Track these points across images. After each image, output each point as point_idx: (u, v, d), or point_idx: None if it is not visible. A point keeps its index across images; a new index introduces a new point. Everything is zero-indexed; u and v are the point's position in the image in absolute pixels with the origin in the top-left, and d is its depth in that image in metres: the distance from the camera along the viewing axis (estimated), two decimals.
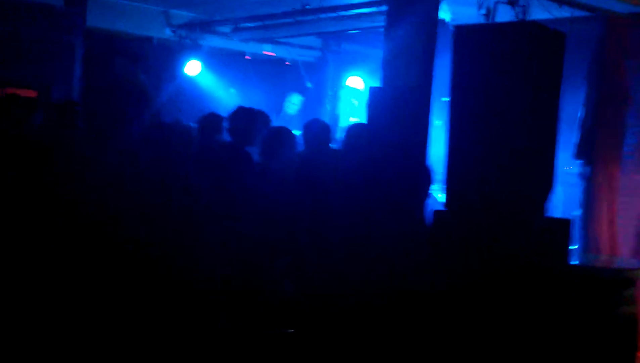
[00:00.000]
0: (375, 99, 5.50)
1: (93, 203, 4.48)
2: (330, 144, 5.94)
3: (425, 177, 5.23)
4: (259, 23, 10.11)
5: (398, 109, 5.34)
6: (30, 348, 4.33)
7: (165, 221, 4.67)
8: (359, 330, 4.73)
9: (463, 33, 5.17)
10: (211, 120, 6.39)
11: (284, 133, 5.92)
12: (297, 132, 6.20)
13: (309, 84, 11.45)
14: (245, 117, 5.99)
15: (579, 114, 6.94)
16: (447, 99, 5.15)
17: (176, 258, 4.67)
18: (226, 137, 6.15)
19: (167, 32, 10.93)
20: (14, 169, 4.82)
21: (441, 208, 5.04)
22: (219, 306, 5.07)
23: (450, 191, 5.01)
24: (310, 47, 11.71)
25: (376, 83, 5.72)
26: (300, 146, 6.07)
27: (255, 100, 8.78)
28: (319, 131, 5.94)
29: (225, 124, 6.09)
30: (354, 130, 5.71)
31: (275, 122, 7.28)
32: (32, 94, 8.84)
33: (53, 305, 4.42)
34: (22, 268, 4.55)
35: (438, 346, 4.62)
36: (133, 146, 4.74)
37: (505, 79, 4.82)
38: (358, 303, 4.71)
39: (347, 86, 11.28)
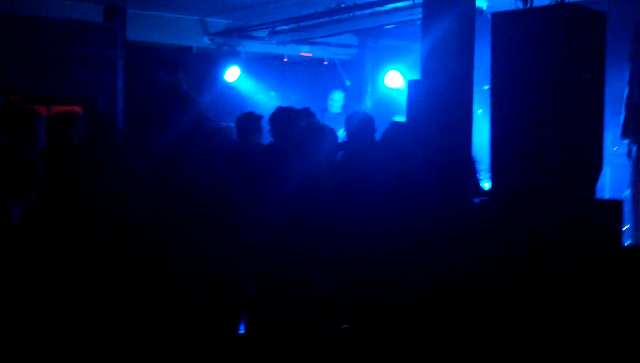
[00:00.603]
0: (415, 91, 5.49)
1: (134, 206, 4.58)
2: (373, 136, 5.91)
3: (471, 166, 5.20)
4: (295, 25, 10.15)
5: (439, 101, 5.32)
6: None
7: (202, 219, 4.74)
8: (408, 324, 4.73)
9: (501, 20, 5.14)
10: (249, 120, 6.41)
11: (314, 130, 5.92)
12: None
13: (348, 83, 11.45)
14: (284, 117, 6.01)
15: (624, 94, 6.83)
16: (488, 87, 5.12)
17: (213, 254, 4.73)
18: (267, 138, 6.18)
19: (206, 41, 11.05)
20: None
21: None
22: (256, 301, 5.11)
23: (496, 178, 4.97)
24: (347, 45, 11.72)
25: (415, 77, 5.68)
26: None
27: (295, 102, 8.81)
28: (360, 123, 5.93)
29: (267, 126, 6.13)
30: (397, 127, 5.72)
31: (322, 121, 7.28)
32: (77, 109, 9.01)
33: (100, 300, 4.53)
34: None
35: (492, 334, 4.59)
36: (175, 149, 4.83)
37: (546, 63, 4.78)
38: (399, 298, 4.70)
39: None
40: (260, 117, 6.51)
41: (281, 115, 6.00)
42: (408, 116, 5.55)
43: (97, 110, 5.60)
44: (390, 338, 4.81)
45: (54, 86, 9.29)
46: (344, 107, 10.12)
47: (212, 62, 10.87)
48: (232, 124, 6.99)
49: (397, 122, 6.08)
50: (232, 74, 10.86)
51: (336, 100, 10.11)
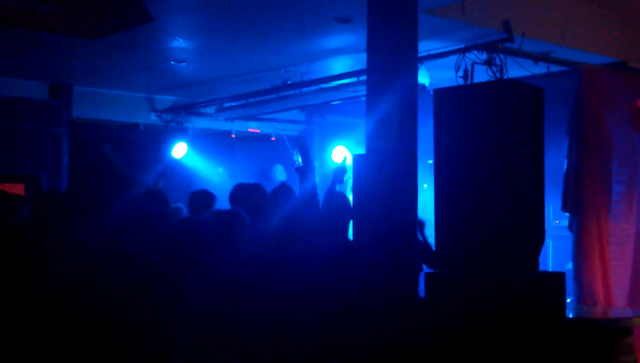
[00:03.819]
0: (361, 166, 5.53)
1: (77, 289, 4.48)
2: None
3: (415, 241, 5.22)
4: (242, 101, 10.24)
5: (384, 176, 5.35)
6: None
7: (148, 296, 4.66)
8: None
9: (443, 96, 5.24)
10: (202, 198, 6.36)
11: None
12: None
13: (296, 157, 11.51)
14: (245, 192, 6.01)
15: (564, 167, 6.97)
16: (432, 161, 5.19)
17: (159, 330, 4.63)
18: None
19: (153, 117, 11.05)
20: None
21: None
22: None
23: (441, 252, 5.00)
24: (294, 121, 11.83)
25: (361, 152, 5.73)
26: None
27: (243, 178, 8.81)
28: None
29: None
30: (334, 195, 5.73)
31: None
32: (19, 188, 8.87)
33: None
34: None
35: None
36: (116, 227, 4.77)
37: (487, 138, 4.87)
38: None
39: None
40: (213, 196, 6.43)
41: (242, 191, 6.01)
42: (354, 190, 5.57)
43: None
44: None
45: None
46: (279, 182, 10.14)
47: (159, 138, 10.84)
48: (181, 205, 6.92)
49: (335, 192, 6.08)
50: (179, 150, 10.84)
51: (280, 172, 10.19)
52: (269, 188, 6.76)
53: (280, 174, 10.32)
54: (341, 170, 6.24)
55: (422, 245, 6.00)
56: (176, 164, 10.77)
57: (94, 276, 4.64)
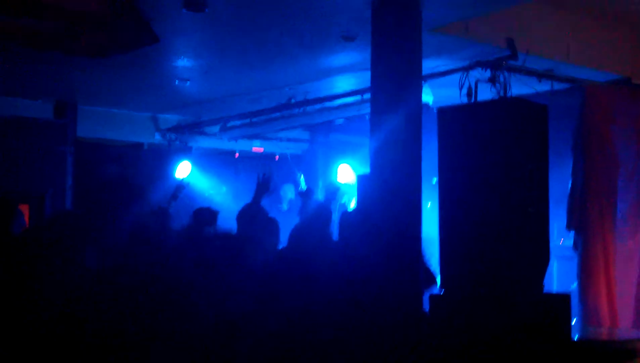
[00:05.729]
0: (365, 186, 5.51)
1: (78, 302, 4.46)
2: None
3: (420, 261, 5.19)
4: (246, 120, 10.24)
5: (388, 195, 5.34)
6: None
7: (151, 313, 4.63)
8: None
9: (447, 114, 5.23)
10: (205, 214, 6.37)
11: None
12: None
13: (299, 175, 11.52)
14: (252, 213, 6.04)
15: (568, 185, 6.95)
16: (437, 180, 5.17)
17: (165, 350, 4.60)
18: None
19: (157, 137, 11.06)
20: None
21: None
22: None
23: (445, 272, 4.97)
24: (298, 140, 11.84)
25: (365, 171, 5.73)
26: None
27: (246, 197, 8.79)
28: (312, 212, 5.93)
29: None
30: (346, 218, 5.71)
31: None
32: (23, 208, 8.86)
33: None
34: None
35: None
36: (123, 242, 4.76)
37: (491, 156, 4.85)
38: None
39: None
40: (216, 212, 6.46)
41: (248, 212, 6.04)
42: (358, 209, 5.55)
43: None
44: None
45: (3, 181, 9.15)
46: (290, 202, 10.21)
47: (163, 158, 10.84)
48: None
49: (347, 212, 6.08)
50: (183, 170, 10.83)
51: (289, 192, 10.24)
52: (278, 207, 6.79)
53: (291, 193, 10.35)
54: (334, 188, 6.27)
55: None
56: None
57: (100, 291, 4.61)
